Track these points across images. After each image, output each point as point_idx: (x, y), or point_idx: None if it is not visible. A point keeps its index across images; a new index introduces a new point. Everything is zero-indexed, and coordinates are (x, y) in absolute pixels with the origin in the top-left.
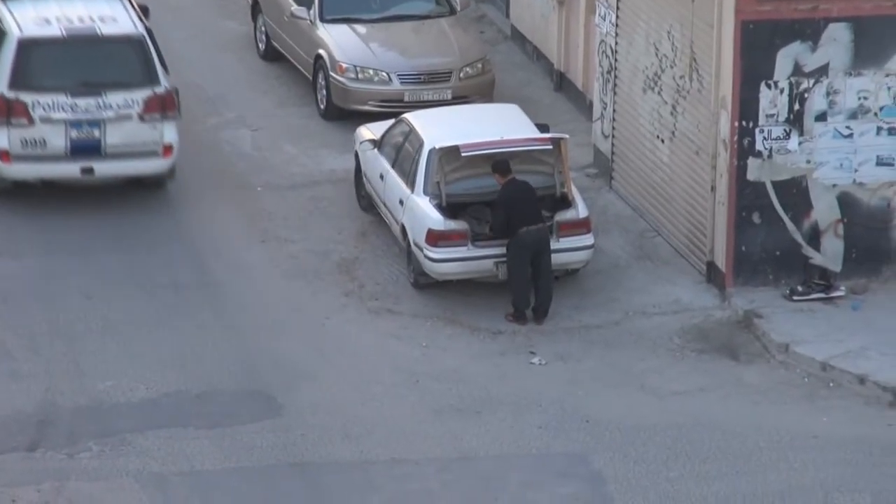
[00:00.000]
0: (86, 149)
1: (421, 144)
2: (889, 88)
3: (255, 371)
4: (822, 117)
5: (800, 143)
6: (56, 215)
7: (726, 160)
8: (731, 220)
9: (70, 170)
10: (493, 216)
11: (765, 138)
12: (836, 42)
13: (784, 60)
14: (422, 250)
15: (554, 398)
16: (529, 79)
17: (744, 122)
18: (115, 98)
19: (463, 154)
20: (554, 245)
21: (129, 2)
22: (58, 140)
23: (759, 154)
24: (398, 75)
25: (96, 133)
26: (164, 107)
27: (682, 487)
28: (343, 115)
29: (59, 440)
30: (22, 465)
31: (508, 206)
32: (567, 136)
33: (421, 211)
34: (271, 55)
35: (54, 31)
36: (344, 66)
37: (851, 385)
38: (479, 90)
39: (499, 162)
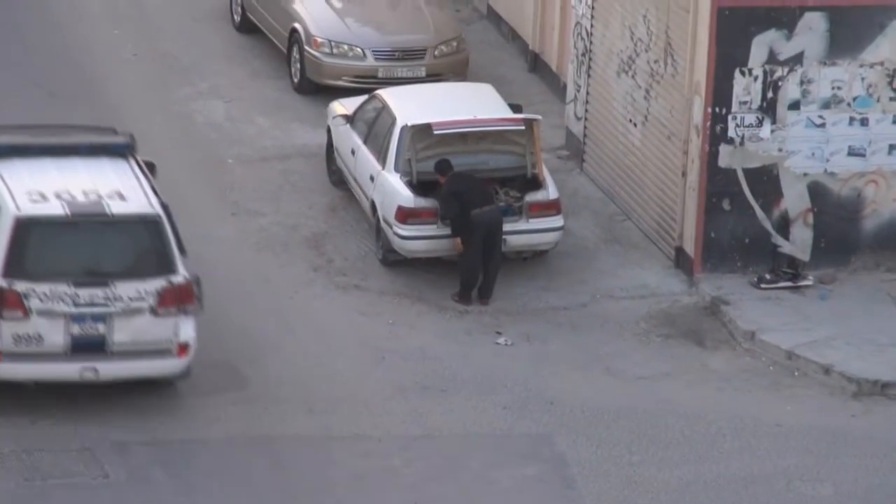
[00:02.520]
0: (88, 347)
1: (393, 121)
2: (863, 79)
3: (222, 342)
4: (795, 106)
5: (772, 131)
6: None
7: (698, 146)
8: (702, 206)
9: (69, 370)
10: (445, 212)
11: (737, 125)
12: (812, 31)
13: (759, 48)
14: (391, 227)
15: (519, 379)
16: (504, 59)
17: (717, 109)
18: (125, 289)
19: (435, 132)
20: (523, 226)
21: (137, 165)
22: (56, 336)
23: (731, 141)
24: (373, 51)
25: (101, 329)
26: (181, 299)
27: (645, 472)
28: (316, 89)
29: (16, 411)
30: None
31: (457, 197)
32: (540, 117)
33: (391, 188)
34: (246, 27)
35: (56, 209)
36: (319, 40)
37: (816, 375)
38: (453, 68)
39: (439, 163)
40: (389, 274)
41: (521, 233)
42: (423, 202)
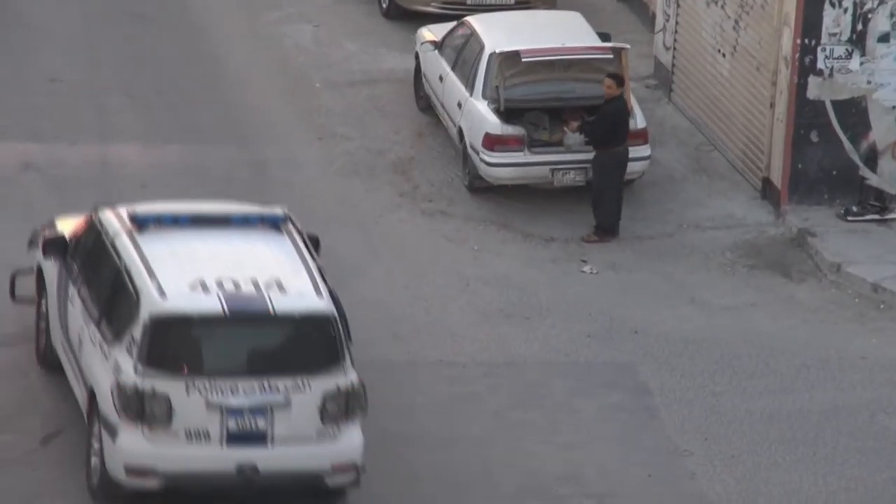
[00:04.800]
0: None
1: (482, 48)
2: None
3: None
4: (884, 38)
5: (861, 64)
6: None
7: (787, 77)
8: (789, 138)
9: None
10: (597, 122)
11: (826, 57)
12: None
13: None
14: (478, 154)
15: (603, 308)
16: None
17: (806, 40)
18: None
19: (523, 60)
20: None
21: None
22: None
23: (819, 72)
24: None
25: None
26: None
27: (728, 402)
28: (405, 14)
29: None
30: None
31: (616, 119)
32: (628, 46)
33: (479, 114)
34: None
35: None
36: None
37: None
38: None
39: (618, 74)
40: (475, 200)
41: None
42: (510, 129)
